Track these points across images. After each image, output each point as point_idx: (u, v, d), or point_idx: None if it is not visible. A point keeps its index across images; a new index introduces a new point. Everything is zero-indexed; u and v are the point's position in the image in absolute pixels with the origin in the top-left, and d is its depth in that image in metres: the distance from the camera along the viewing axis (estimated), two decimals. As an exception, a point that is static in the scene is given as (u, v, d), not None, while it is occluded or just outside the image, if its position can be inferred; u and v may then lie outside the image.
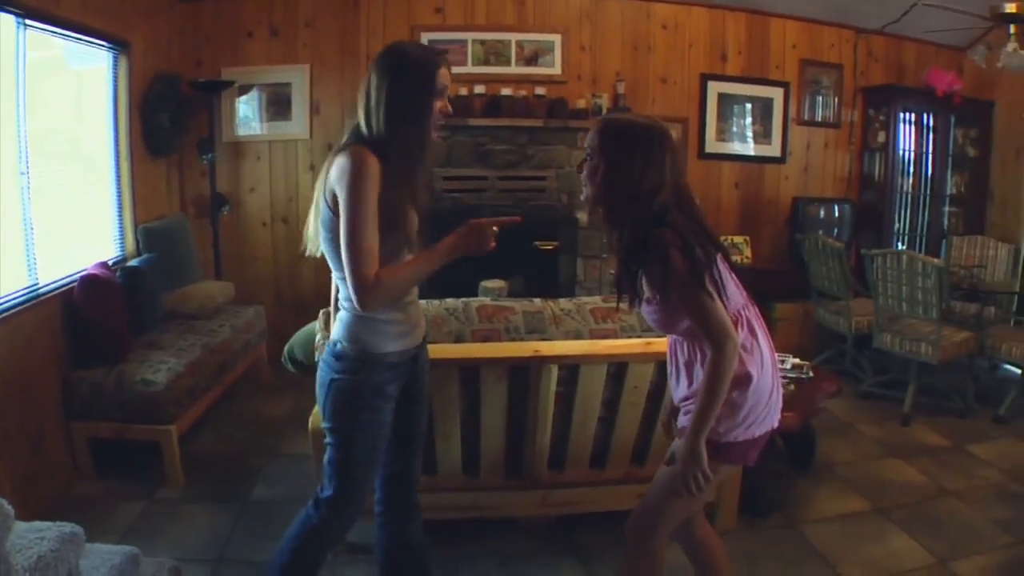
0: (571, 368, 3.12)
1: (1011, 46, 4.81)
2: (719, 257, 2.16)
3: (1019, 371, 5.72)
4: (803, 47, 6.74)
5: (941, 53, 7.22)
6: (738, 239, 6.44)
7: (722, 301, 2.10)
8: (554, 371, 3.06)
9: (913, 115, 7.07)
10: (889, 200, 6.85)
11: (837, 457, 4.67)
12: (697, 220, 2.18)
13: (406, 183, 2.21)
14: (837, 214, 6.88)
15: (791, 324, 6.47)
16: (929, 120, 7.13)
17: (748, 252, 6.45)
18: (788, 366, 4.17)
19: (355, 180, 2.07)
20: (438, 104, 2.22)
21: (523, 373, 3.08)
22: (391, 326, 2.27)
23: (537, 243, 5.89)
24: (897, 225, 7.04)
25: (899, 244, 7.08)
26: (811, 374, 4.23)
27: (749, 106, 6.66)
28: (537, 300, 3.44)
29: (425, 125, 2.21)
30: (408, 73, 2.17)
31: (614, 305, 2.49)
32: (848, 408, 5.47)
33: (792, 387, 3.91)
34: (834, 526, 3.75)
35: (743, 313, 2.23)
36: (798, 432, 4.02)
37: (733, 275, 2.26)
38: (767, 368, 2.25)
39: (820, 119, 6.93)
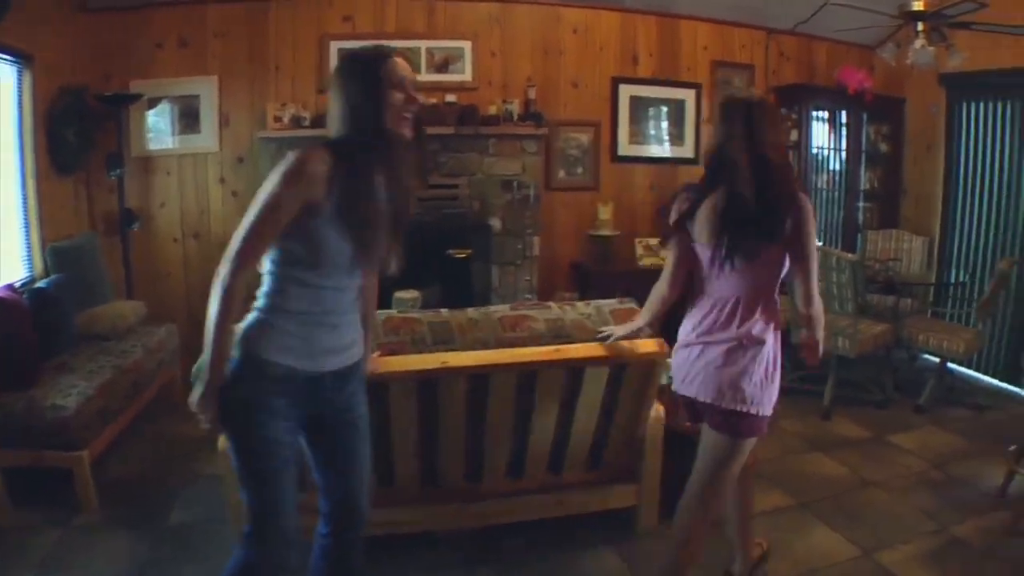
0: (481, 378, 3.21)
1: (919, 43, 5.10)
2: None
3: (937, 360, 6.03)
4: (714, 48, 7.13)
5: (852, 52, 7.63)
6: (654, 241, 6.68)
7: None
8: (462, 382, 3.19)
9: (826, 113, 7.50)
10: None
11: (758, 452, 4.69)
12: None
13: (366, 178, 2.27)
14: None
15: None
16: (841, 118, 7.57)
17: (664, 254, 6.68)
18: None
19: (278, 179, 2.15)
20: (397, 96, 2.27)
21: (432, 385, 3.18)
22: (283, 336, 2.27)
23: (451, 251, 6.14)
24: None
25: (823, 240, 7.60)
26: None
27: (662, 108, 7.01)
28: (444, 311, 3.54)
29: (381, 118, 2.26)
30: (357, 72, 2.27)
31: (524, 312, 3.21)
32: None
33: None
34: (758, 523, 3.72)
35: None
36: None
37: None
38: None
39: None
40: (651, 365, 3.45)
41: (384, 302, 4.25)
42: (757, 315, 2.77)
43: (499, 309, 3.62)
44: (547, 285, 6.53)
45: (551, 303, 3.75)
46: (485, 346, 3.36)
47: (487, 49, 6.48)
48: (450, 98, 6.21)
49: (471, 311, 3.56)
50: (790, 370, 6.18)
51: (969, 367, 6.73)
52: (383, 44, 2.35)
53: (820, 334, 3.04)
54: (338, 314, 2.39)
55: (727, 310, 2.78)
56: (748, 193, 2.63)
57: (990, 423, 5.67)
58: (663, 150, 7.09)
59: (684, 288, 2.98)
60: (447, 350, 3.30)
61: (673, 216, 2.89)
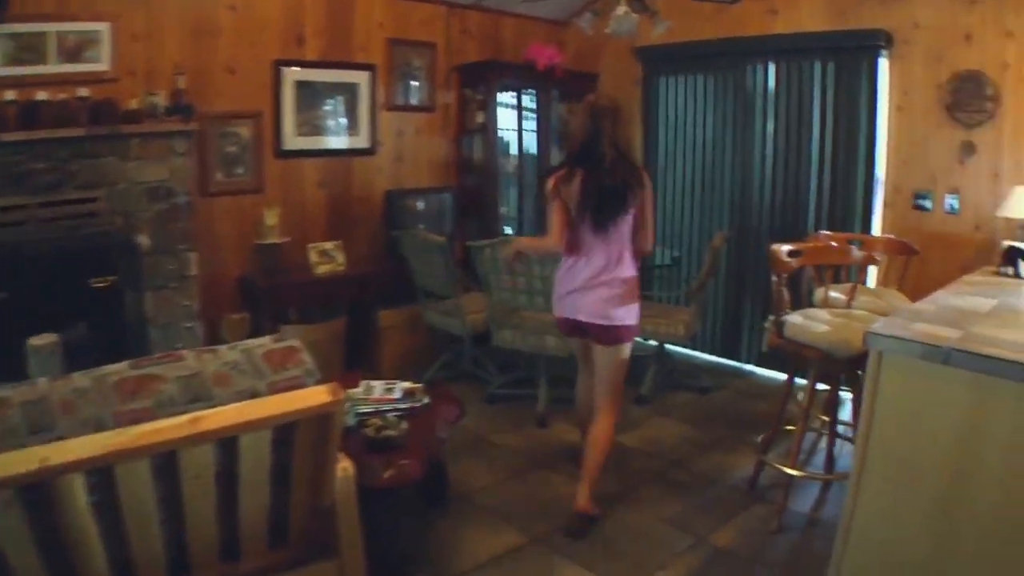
0: (102, 472, 2.54)
1: (621, 9, 5.01)
2: None
3: (655, 344, 6.17)
4: (390, 25, 6.74)
5: (541, 27, 7.56)
6: (328, 245, 6.23)
7: None
8: (79, 481, 2.47)
9: (513, 93, 7.35)
10: (492, 184, 7.08)
11: (474, 482, 4.55)
12: None
13: None
14: (437, 205, 6.94)
15: (399, 332, 6.49)
16: (530, 97, 7.47)
17: (341, 259, 6.23)
18: (397, 394, 4.02)
19: None
20: None
21: (41, 490, 2.46)
22: None
23: (93, 280, 5.28)
24: (504, 209, 7.31)
25: (508, 229, 7.35)
26: (426, 400, 4.04)
27: (332, 94, 6.51)
28: (42, 381, 2.78)
29: None
30: None
31: (148, 371, 2.66)
32: (477, 417, 5.44)
33: (404, 425, 3.66)
34: (490, 573, 3.59)
35: None
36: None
37: None
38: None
39: (413, 103, 6.98)
40: (327, 417, 2.84)
41: (15, 354, 3.69)
42: (624, 261, 4.02)
43: (116, 370, 2.87)
44: (212, 307, 5.83)
45: (185, 352, 3.01)
46: (100, 427, 2.65)
47: (129, 32, 5.58)
48: (82, 92, 5.24)
49: (77, 378, 2.82)
50: (495, 376, 6.10)
51: (687, 347, 6.91)
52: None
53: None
54: None
55: (604, 261, 3.98)
56: (612, 180, 3.85)
57: (718, 405, 5.86)
58: (335, 141, 6.60)
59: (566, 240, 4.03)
60: (50, 440, 2.58)
61: (551, 184, 3.98)
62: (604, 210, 3.90)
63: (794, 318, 4.05)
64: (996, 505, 2.68)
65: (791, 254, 4.07)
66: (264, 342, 3.08)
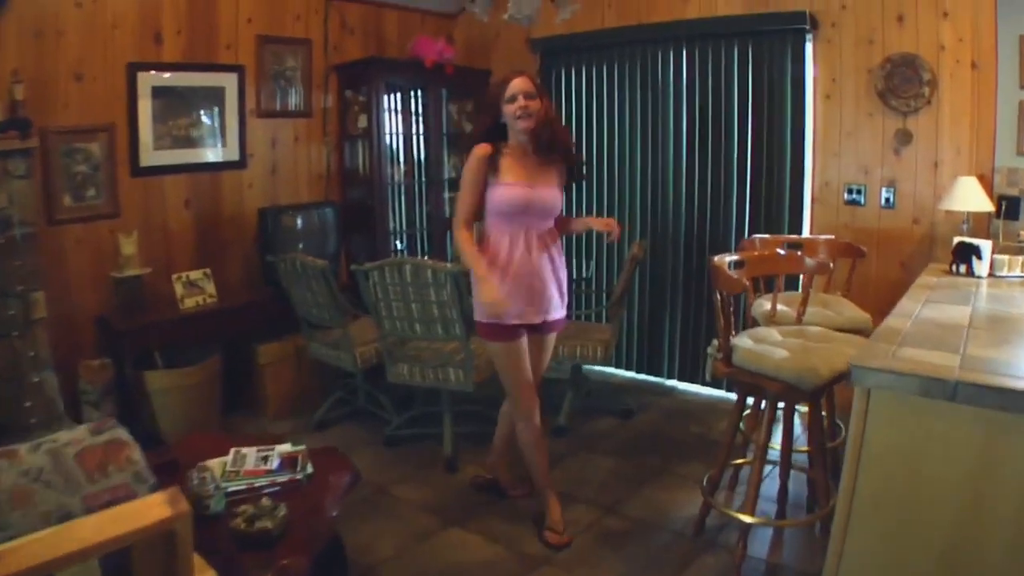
0: None
1: None
2: None
3: (569, 368, 5.82)
4: (260, 21, 6.17)
5: (428, 20, 7.13)
6: (196, 274, 5.64)
7: None
8: None
9: (400, 93, 6.86)
10: (379, 196, 6.58)
11: (378, 551, 4.02)
12: None
13: None
14: (319, 222, 6.37)
15: (284, 368, 5.95)
16: (418, 97, 7.00)
17: (211, 289, 5.67)
18: (275, 463, 3.48)
19: None
20: None
21: None
22: None
23: None
24: (392, 223, 6.79)
25: (398, 243, 6.85)
26: (309, 469, 3.49)
27: (195, 100, 5.87)
28: None
29: None
30: None
31: None
32: (376, 464, 4.97)
33: (282, 512, 3.03)
34: None
35: None
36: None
37: None
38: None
39: (287, 108, 6.42)
40: (171, 535, 2.14)
41: None
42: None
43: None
44: (68, 354, 5.13)
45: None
46: None
47: (-42, 34, 4.73)
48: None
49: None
50: (393, 414, 5.58)
51: (606, 365, 6.46)
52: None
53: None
54: None
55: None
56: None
57: (644, 430, 5.57)
58: (201, 154, 5.95)
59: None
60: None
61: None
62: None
63: (744, 342, 3.69)
64: (1010, 557, 2.41)
65: (734, 266, 3.75)
66: (79, 436, 2.43)
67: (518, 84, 3.79)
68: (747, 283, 3.83)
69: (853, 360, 2.68)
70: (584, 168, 6.59)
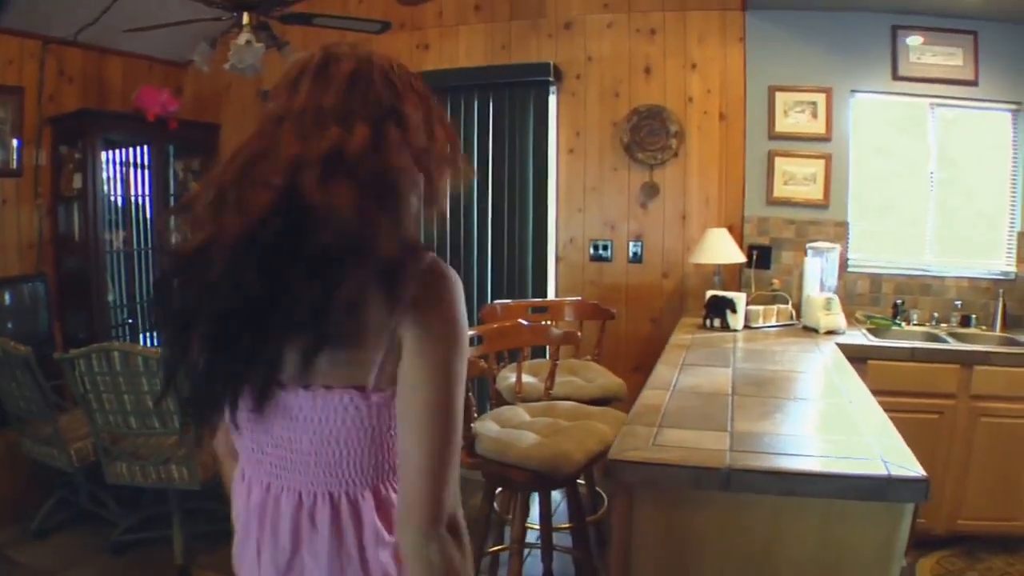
0: None
1: (244, 37, 4.38)
2: None
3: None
4: None
5: (156, 68, 6.59)
6: None
7: None
8: None
9: (120, 149, 6.32)
10: (96, 265, 5.92)
11: None
12: None
13: None
14: (28, 298, 5.67)
15: None
16: (142, 153, 6.46)
17: None
18: None
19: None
20: None
21: None
22: None
23: None
24: (112, 296, 6.19)
25: (121, 316, 6.30)
26: None
27: None
28: None
29: None
30: None
31: None
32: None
33: None
34: None
35: None
36: None
37: None
38: None
39: None
40: None
41: None
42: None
43: None
44: None
45: None
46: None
47: None
48: None
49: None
50: (119, 516, 4.97)
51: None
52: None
53: None
54: None
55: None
56: None
57: None
58: None
59: None
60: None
61: None
62: None
63: (487, 427, 3.38)
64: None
65: (473, 343, 3.45)
66: None
67: None
68: (484, 365, 3.52)
69: (612, 454, 2.42)
70: None
